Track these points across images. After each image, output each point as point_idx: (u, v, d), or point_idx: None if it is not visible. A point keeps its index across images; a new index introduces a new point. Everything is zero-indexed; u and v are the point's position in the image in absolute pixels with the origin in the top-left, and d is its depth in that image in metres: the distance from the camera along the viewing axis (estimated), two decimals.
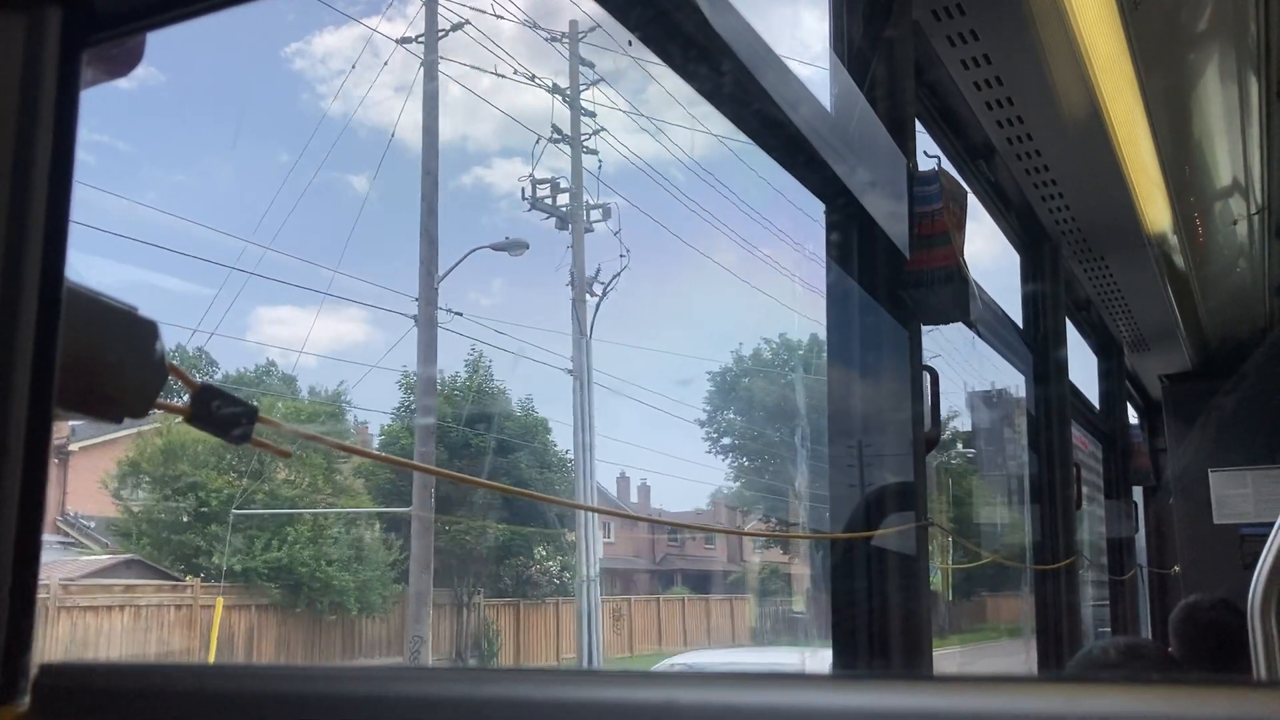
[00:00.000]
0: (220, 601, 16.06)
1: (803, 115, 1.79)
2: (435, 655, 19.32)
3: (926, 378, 2.09)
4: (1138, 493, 5.91)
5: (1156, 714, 0.44)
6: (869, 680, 0.50)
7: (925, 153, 2.22)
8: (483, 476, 19.52)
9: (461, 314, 18.03)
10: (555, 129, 20.22)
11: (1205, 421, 5.48)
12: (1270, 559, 1.98)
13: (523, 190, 20.60)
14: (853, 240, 2.05)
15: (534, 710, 0.53)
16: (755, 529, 31.87)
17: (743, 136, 1.76)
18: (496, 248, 18.62)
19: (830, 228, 2.07)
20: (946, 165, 2.21)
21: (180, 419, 0.81)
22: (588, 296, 19.79)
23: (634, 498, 39.17)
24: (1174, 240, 3.73)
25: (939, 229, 2.08)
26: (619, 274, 19.99)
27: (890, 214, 2.06)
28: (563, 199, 20.60)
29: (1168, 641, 3.35)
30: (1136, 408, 6.39)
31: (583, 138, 20.51)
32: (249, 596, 16.95)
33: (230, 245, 22.34)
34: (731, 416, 35.33)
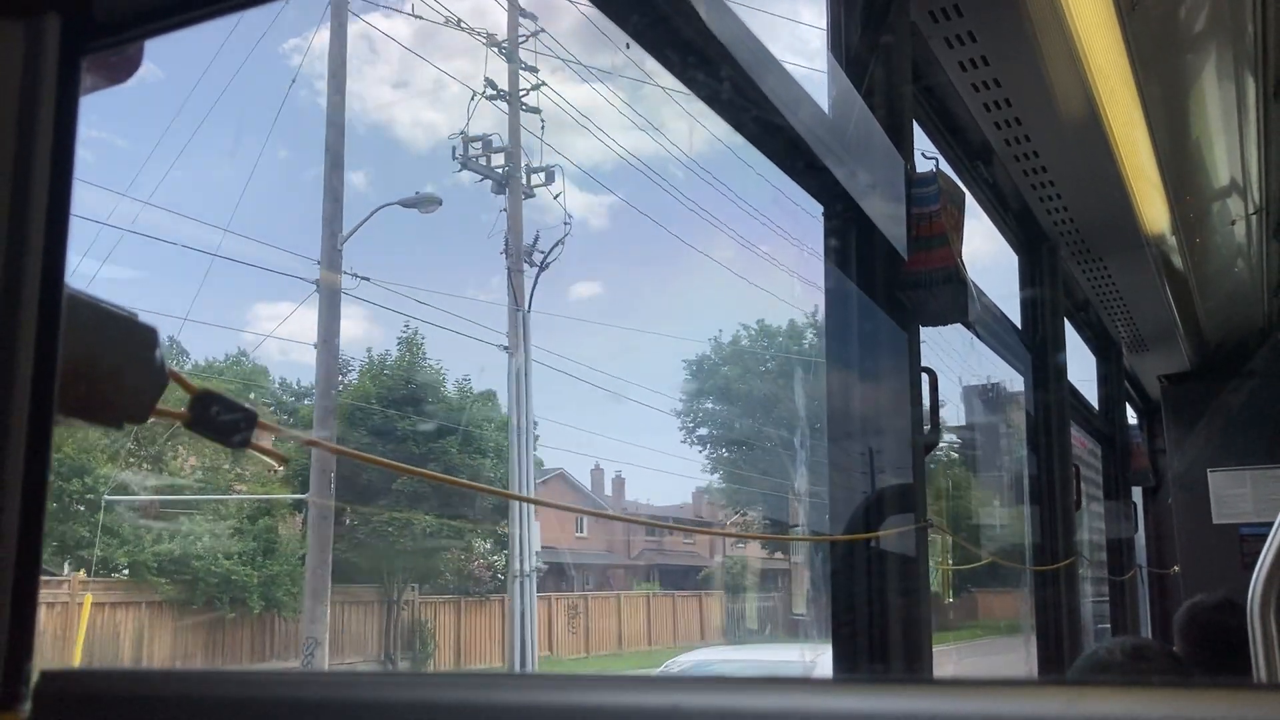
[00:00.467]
0: (89, 599, 14.31)
1: (801, 117, 1.79)
2: (354, 659, 17.96)
3: (925, 379, 2.09)
4: (1137, 493, 5.91)
5: (1157, 717, 0.44)
6: (870, 684, 0.50)
7: (923, 154, 2.22)
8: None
9: (368, 279, 16.12)
10: (489, 83, 18.31)
11: (1204, 421, 5.48)
12: (1269, 559, 1.98)
13: (453, 149, 18.37)
14: (851, 242, 2.06)
15: (538, 715, 0.53)
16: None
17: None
18: (406, 204, 16.86)
19: (828, 230, 2.07)
20: (944, 167, 2.21)
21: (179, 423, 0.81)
22: (526, 266, 17.79)
23: (608, 491, 37.63)
24: (1172, 241, 3.73)
25: (937, 230, 2.08)
26: (561, 241, 18.15)
27: (888, 216, 2.06)
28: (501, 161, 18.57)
29: (1169, 641, 3.35)
30: (1136, 408, 6.39)
31: (521, 93, 18.59)
32: (139, 593, 15.39)
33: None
34: (710, 406, 33.56)
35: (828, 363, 2.10)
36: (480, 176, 18.57)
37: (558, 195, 18.72)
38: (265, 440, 0.86)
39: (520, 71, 18.82)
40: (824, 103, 2.00)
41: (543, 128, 18.98)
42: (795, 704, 0.48)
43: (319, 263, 15.24)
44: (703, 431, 33.58)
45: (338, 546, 17.88)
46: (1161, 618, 6.04)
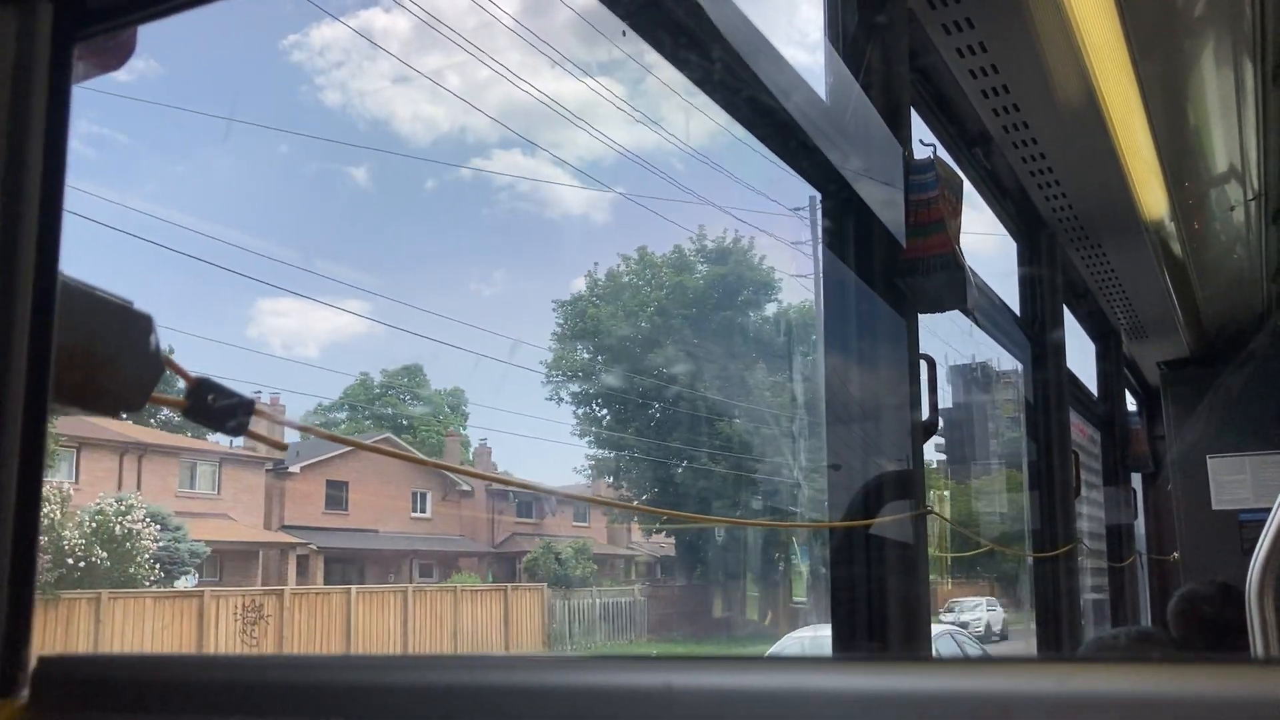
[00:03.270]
0: None
1: (797, 104, 1.78)
2: None
3: (924, 365, 2.09)
4: (1137, 479, 5.92)
5: (1155, 693, 0.44)
6: (868, 662, 0.50)
7: (921, 141, 2.22)
8: None
9: None
10: None
11: (1203, 408, 5.49)
12: (1268, 543, 1.99)
13: None
14: (848, 228, 2.05)
15: (535, 695, 0.53)
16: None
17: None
18: None
19: (826, 215, 2.07)
20: (942, 153, 2.21)
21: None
22: None
23: (469, 459, 31.32)
24: (1171, 227, 3.73)
25: (934, 217, 2.08)
26: None
27: (886, 202, 2.06)
28: None
29: (1165, 627, 3.36)
30: (1135, 394, 6.39)
31: None
32: None
33: None
34: (585, 356, 28.45)
35: (826, 349, 2.10)
36: None
37: None
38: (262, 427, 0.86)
39: None
40: (821, 89, 2.00)
41: None
42: (791, 682, 0.48)
43: None
44: (575, 388, 28.25)
45: None
46: (1161, 604, 6.04)
